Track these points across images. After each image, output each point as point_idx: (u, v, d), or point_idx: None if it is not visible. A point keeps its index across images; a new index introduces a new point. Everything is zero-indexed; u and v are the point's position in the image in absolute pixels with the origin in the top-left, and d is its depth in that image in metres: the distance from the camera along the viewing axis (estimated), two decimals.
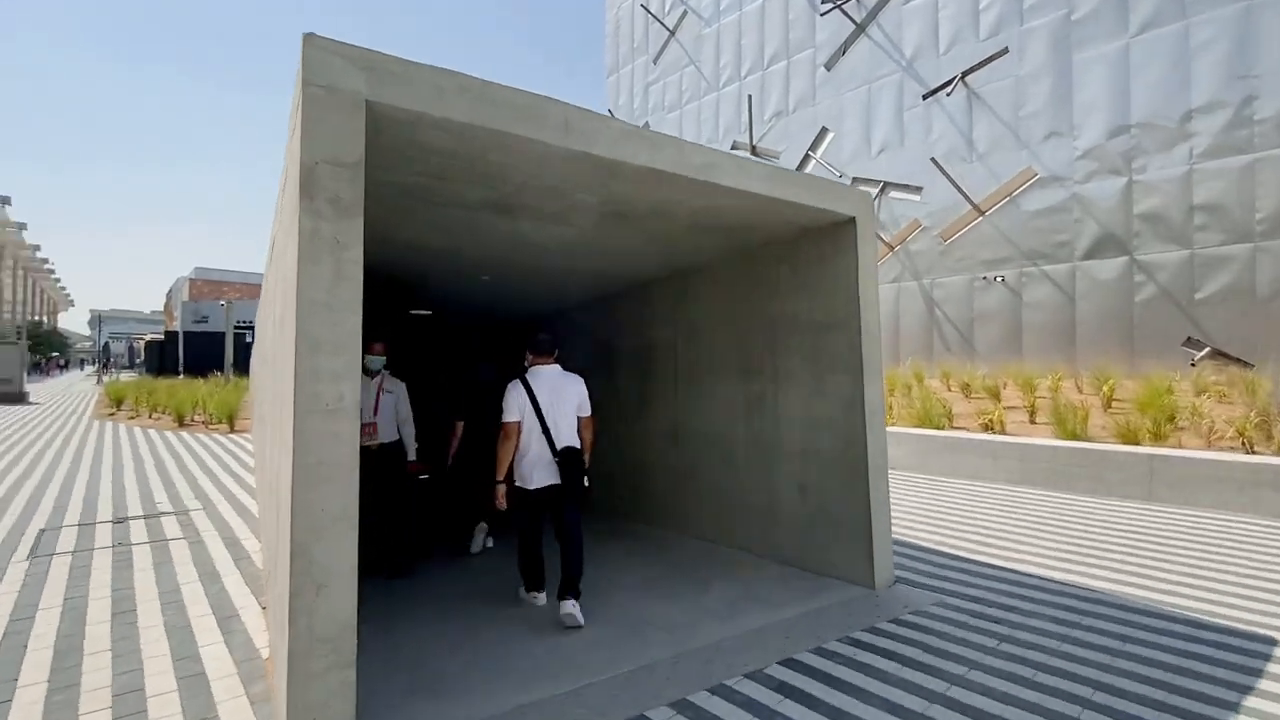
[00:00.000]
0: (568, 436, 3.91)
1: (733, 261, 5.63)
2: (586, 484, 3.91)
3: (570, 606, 3.77)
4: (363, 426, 4.79)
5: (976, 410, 9.98)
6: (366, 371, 4.99)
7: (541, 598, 4.20)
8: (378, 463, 4.92)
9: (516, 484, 3.91)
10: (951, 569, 4.89)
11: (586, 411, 4.08)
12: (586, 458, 3.99)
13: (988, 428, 9.11)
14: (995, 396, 10.45)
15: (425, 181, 3.73)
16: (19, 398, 24.74)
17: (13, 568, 5.15)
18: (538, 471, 3.86)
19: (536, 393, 3.91)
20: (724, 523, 5.64)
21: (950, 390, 11.87)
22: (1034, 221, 13.16)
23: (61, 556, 5.45)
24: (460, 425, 5.72)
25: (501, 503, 3.89)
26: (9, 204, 31.11)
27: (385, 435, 5.01)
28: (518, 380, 4.00)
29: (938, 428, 9.53)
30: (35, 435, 14.62)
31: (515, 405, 3.88)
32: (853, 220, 4.56)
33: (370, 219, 4.33)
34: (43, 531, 6.29)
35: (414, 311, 8.74)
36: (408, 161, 3.39)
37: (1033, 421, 9.28)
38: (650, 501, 6.68)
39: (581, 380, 4.12)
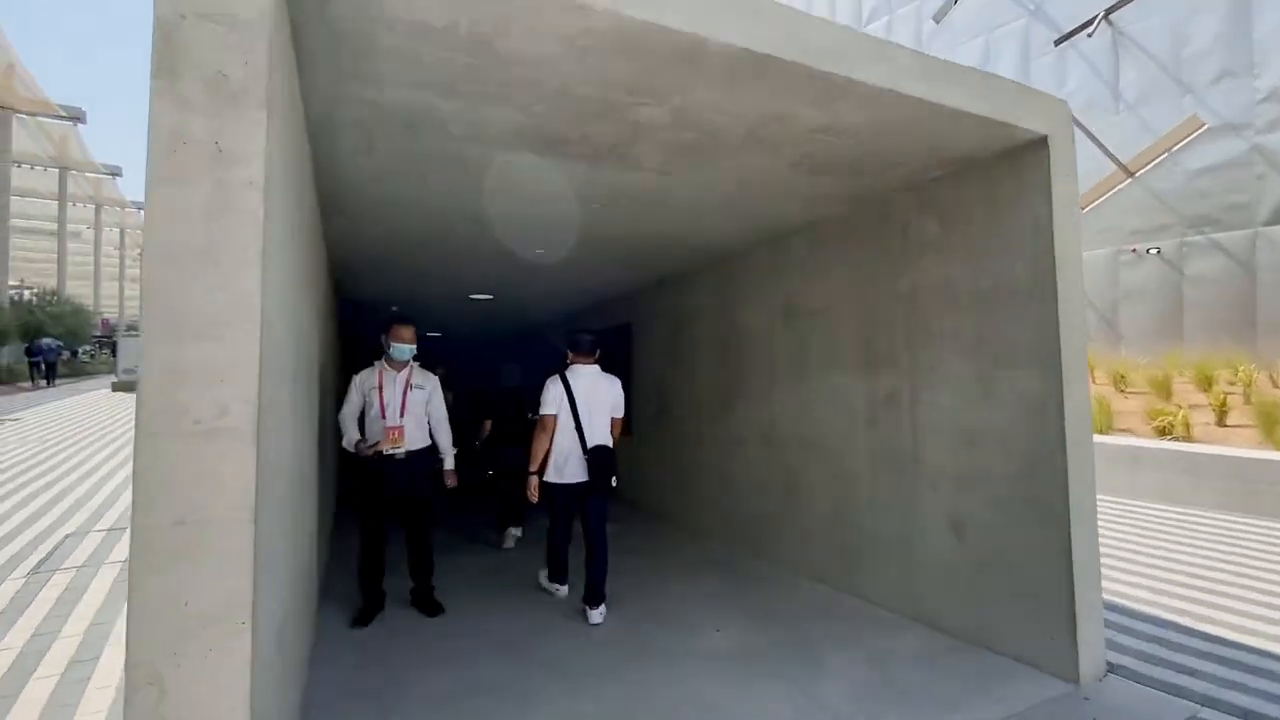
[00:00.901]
0: (600, 435, 3.96)
1: (853, 216, 4.26)
2: (615, 483, 3.95)
3: (596, 616, 3.85)
4: (387, 430, 3.83)
5: (1144, 409, 8.09)
6: (391, 362, 3.99)
7: (563, 590, 4.27)
8: (406, 476, 3.93)
9: (548, 478, 3.95)
10: (1186, 649, 3.39)
11: (620, 413, 4.10)
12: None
13: (1165, 432, 7.26)
14: (1164, 392, 8.48)
15: (427, 100, 2.62)
16: None
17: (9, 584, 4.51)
18: (569, 467, 3.91)
19: (574, 390, 3.94)
20: (837, 559, 4.32)
21: (1096, 383, 9.90)
22: (1200, 181, 10.85)
23: (66, 572, 4.79)
24: (488, 424, 5.80)
25: (534, 494, 3.95)
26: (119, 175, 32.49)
27: (414, 441, 3.98)
28: (557, 376, 3.99)
29: (1100, 431, 7.73)
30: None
31: (553, 400, 3.93)
32: (1044, 142, 3.12)
33: (366, 178, 3.32)
34: (68, 537, 5.73)
35: (428, 334, 7.80)
36: (389, 58, 2.29)
37: (1222, 424, 7.34)
38: (735, 522, 5.43)
39: (619, 382, 4.12)
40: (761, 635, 3.61)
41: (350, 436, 3.92)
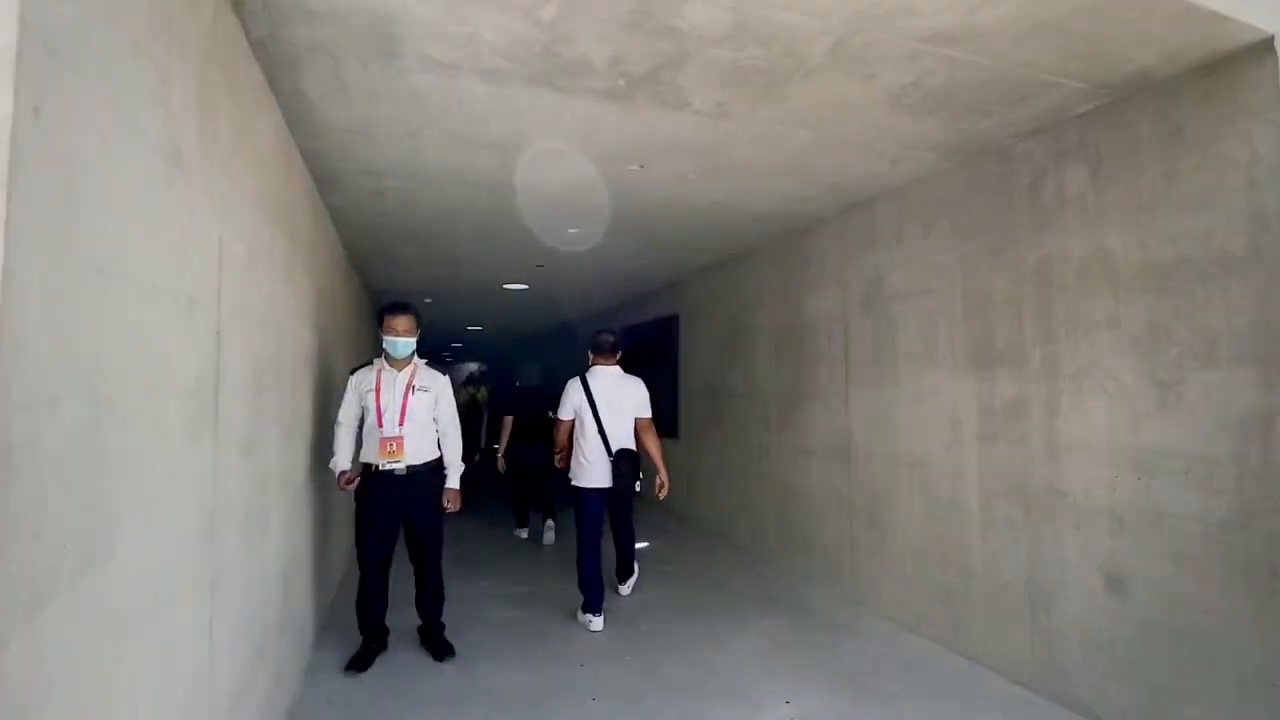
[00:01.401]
0: (623, 439, 3.85)
1: (961, 172, 3.37)
2: (639, 488, 3.86)
3: (625, 589, 4.14)
4: (383, 442, 3.17)
5: None
6: (391, 360, 3.33)
7: (598, 622, 3.73)
8: (406, 495, 3.27)
9: (575, 482, 3.89)
10: None
11: (646, 413, 3.96)
12: (658, 460, 3.93)
13: None
14: None
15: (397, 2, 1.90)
16: None
17: None
18: (593, 472, 3.82)
19: (594, 393, 3.84)
20: (938, 606, 3.45)
21: None
22: None
23: None
24: (509, 420, 5.74)
25: (560, 462, 4.06)
26: None
27: (417, 454, 3.31)
28: (576, 379, 3.90)
29: None
30: None
31: (570, 404, 3.89)
32: (1270, 46, 2.18)
33: (349, 133, 2.33)
34: None
35: (468, 327, 7.16)
36: None
37: None
38: (805, 547, 4.60)
39: (642, 383, 4.01)
40: (850, 715, 2.79)
41: (336, 459, 3.30)
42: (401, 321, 3.27)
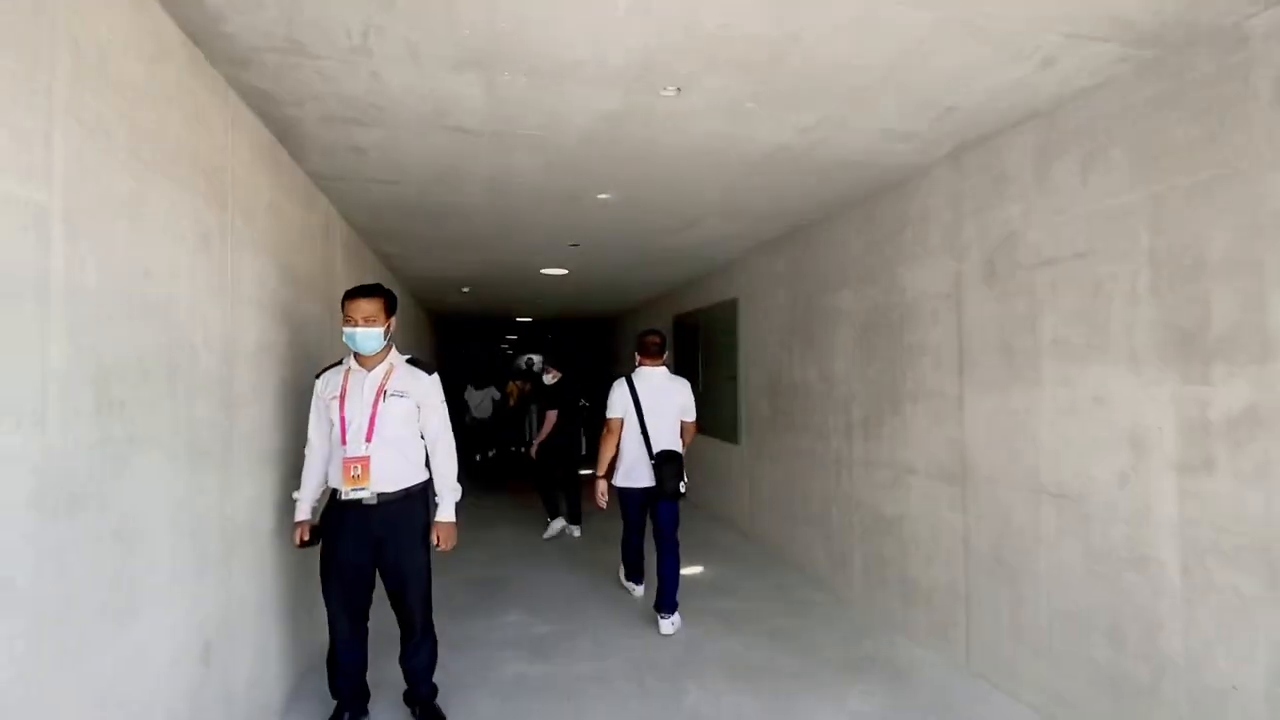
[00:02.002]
0: (667, 440, 3.79)
1: (1156, 71, 2.31)
2: (684, 490, 3.74)
3: (667, 626, 3.64)
4: (345, 464, 2.45)
5: None
6: (358, 359, 2.61)
7: (640, 590, 4.18)
8: (380, 531, 2.53)
9: (617, 483, 3.86)
10: None
11: (690, 417, 3.94)
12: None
13: None
14: None
15: None
16: None
17: None
18: (636, 472, 3.81)
19: (640, 394, 3.81)
20: (1111, 700, 2.43)
21: None
22: None
23: None
24: (553, 415, 5.76)
25: (601, 500, 3.89)
26: None
27: (390, 478, 2.55)
28: (622, 379, 3.89)
29: None
30: None
31: (618, 403, 3.84)
32: None
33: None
34: None
35: (517, 319, 6.41)
36: None
37: None
38: (904, 592, 3.61)
39: (688, 385, 3.96)
40: None
41: (299, 498, 2.64)
42: (363, 307, 2.51)
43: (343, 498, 2.50)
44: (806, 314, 4.68)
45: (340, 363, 2.67)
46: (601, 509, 3.92)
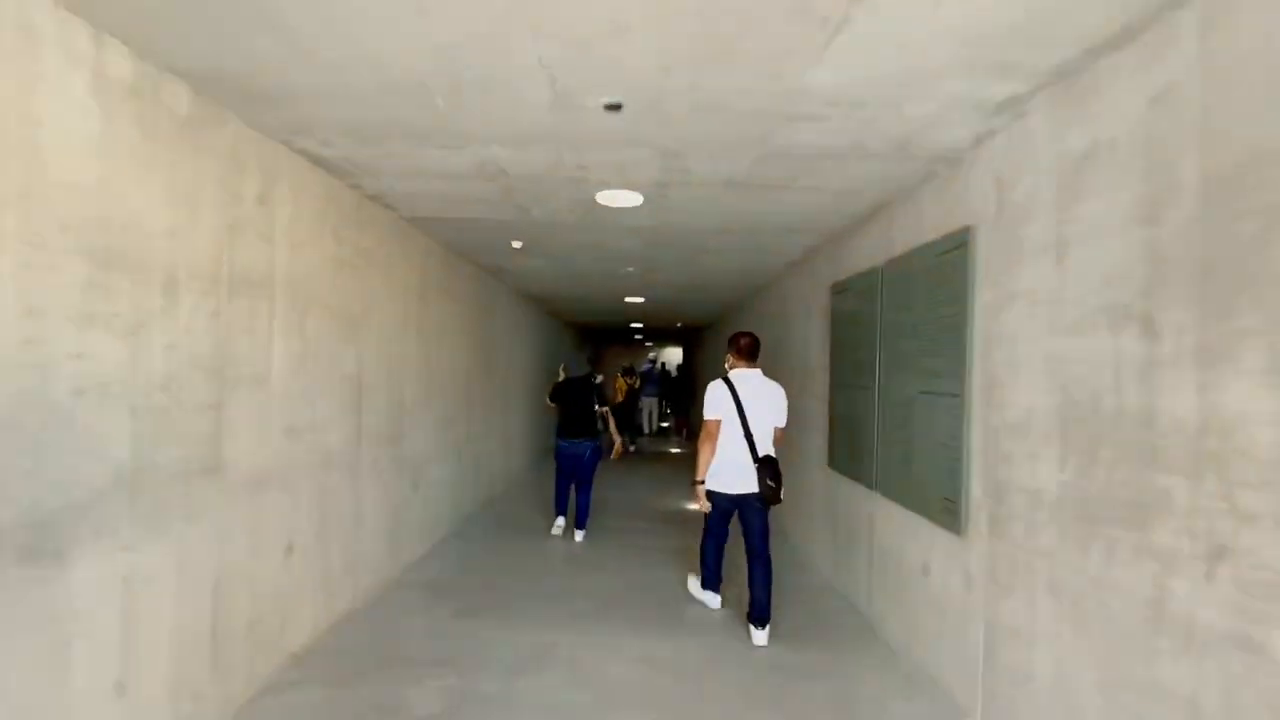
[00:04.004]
0: (766, 444, 3.76)
1: None
2: (782, 498, 3.74)
3: (760, 637, 3.65)
4: None
5: None
6: None
7: (717, 601, 4.10)
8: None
9: (707, 486, 3.82)
10: None
11: (783, 422, 3.89)
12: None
13: None
14: None
15: None
16: None
17: None
18: (730, 476, 3.76)
19: (740, 396, 3.75)
20: None
21: None
22: None
23: None
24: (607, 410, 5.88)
25: (704, 504, 3.88)
26: None
27: None
28: (720, 380, 3.86)
29: None
30: None
31: (717, 404, 3.79)
32: None
33: None
34: None
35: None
36: None
37: None
38: None
39: (782, 389, 3.91)
40: None
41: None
42: None
43: None
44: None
45: None
46: (706, 512, 3.91)
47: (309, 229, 3.34)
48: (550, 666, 3.29)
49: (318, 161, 3.30)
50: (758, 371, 3.86)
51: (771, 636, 3.67)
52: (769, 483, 3.62)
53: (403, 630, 3.68)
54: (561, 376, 6.06)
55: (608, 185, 3.63)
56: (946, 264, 3.00)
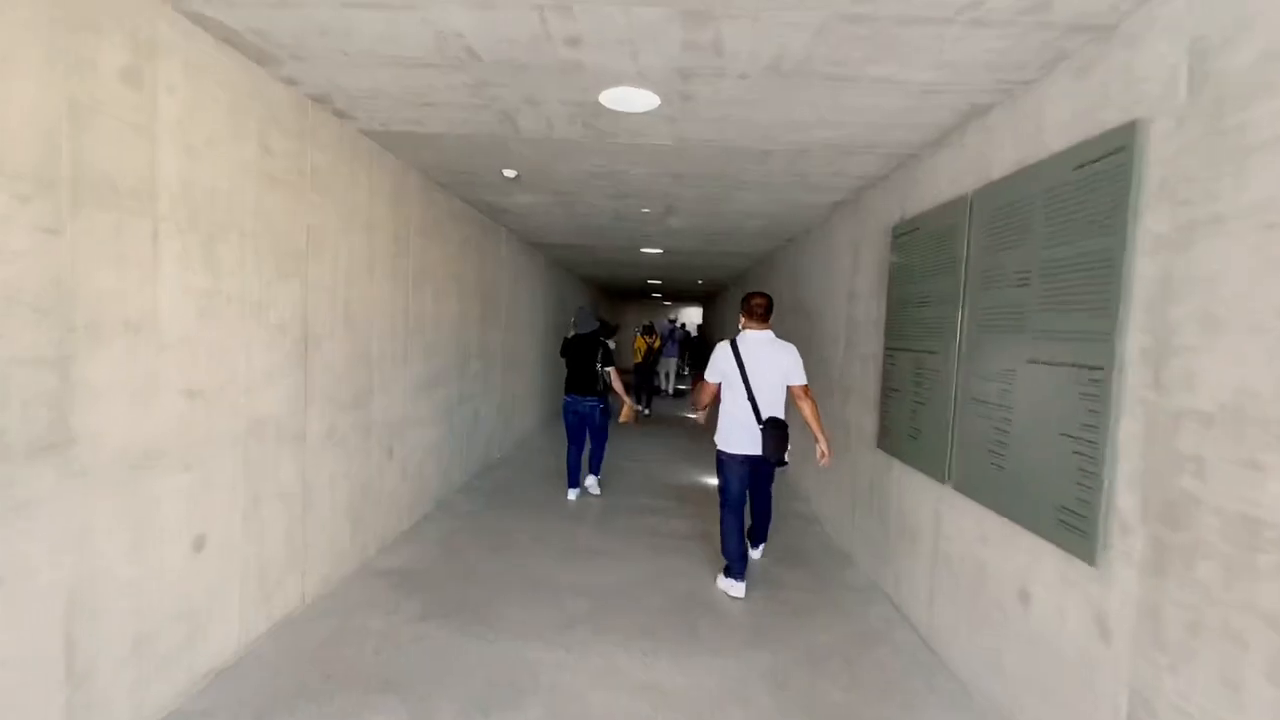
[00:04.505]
0: (773, 407, 3.70)
1: None
2: (787, 459, 3.68)
3: (755, 553, 4.20)
4: None
5: None
6: None
7: (741, 588, 3.69)
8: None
9: (718, 448, 3.82)
10: None
11: (797, 380, 3.73)
12: (817, 428, 3.71)
13: None
14: None
15: None
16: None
17: None
18: (739, 437, 3.73)
19: (744, 358, 3.71)
20: None
21: None
22: None
23: None
24: (613, 370, 5.44)
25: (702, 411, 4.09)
26: None
27: None
28: (726, 342, 3.83)
29: None
30: None
31: (716, 367, 3.81)
32: None
33: None
34: None
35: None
36: None
37: None
38: None
39: (794, 349, 3.78)
40: None
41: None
42: None
43: None
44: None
45: None
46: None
47: (218, 129, 2.53)
48: (526, 699, 2.59)
49: (225, 37, 2.47)
50: (768, 333, 3.80)
51: (811, 659, 2.95)
52: (773, 445, 3.62)
53: (353, 638, 2.99)
54: (571, 333, 5.51)
55: (613, 79, 2.76)
56: (1089, 180, 2.11)
